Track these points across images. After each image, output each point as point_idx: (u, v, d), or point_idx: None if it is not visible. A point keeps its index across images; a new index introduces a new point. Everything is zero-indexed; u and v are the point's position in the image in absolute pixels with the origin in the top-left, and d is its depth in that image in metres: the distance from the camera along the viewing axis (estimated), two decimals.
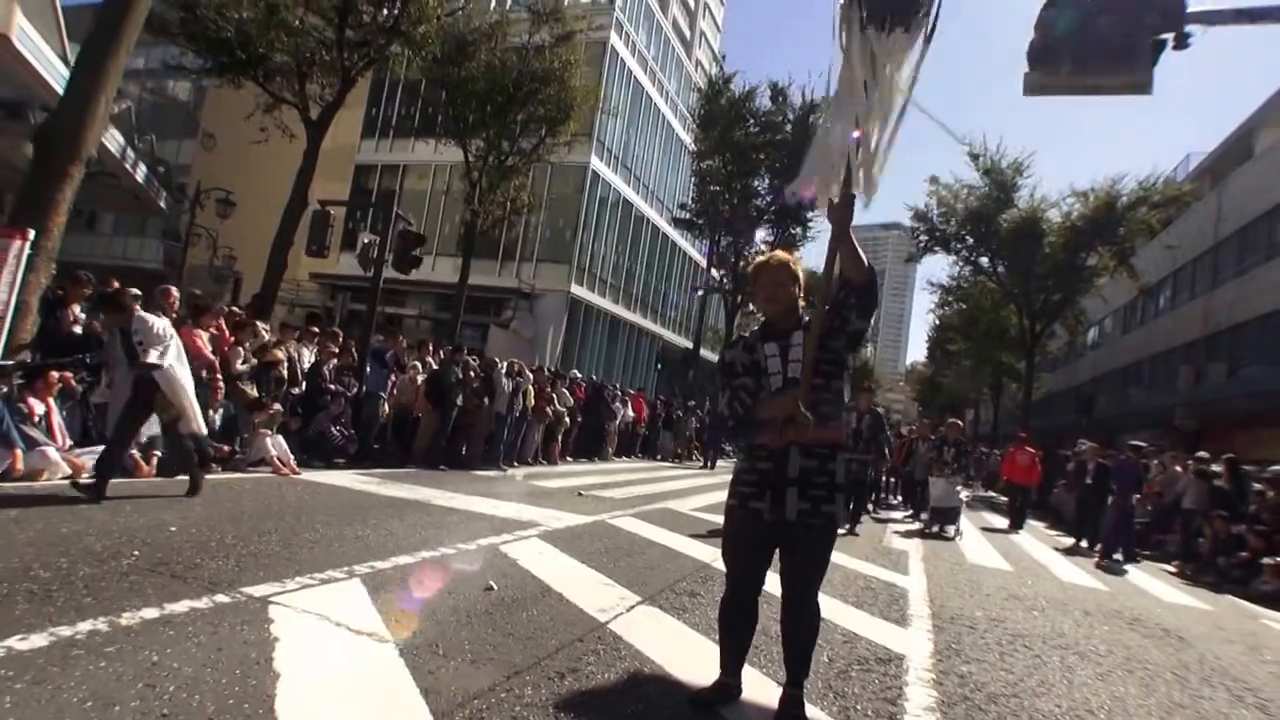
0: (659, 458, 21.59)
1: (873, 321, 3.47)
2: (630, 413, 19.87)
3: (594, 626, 4.22)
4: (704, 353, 33.56)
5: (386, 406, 11.95)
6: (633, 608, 4.77)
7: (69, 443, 7.01)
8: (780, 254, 3.42)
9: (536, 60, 23.52)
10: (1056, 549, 12.38)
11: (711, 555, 6.87)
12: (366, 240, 12.46)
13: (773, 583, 3.28)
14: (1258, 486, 12.28)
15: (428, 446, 11.89)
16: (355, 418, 11.32)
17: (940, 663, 4.50)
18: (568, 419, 15.69)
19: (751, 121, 29.59)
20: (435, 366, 12.52)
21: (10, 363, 7.26)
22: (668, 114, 39.18)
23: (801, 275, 3.39)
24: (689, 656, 3.91)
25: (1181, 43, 7.46)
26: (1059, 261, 29.67)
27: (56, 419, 6.94)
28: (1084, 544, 12.95)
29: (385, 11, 18.92)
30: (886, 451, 12.06)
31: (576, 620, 4.31)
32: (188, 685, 2.80)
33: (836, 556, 7.78)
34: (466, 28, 22.64)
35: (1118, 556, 11.95)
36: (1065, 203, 30.20)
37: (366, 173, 36.87)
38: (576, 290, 32.19)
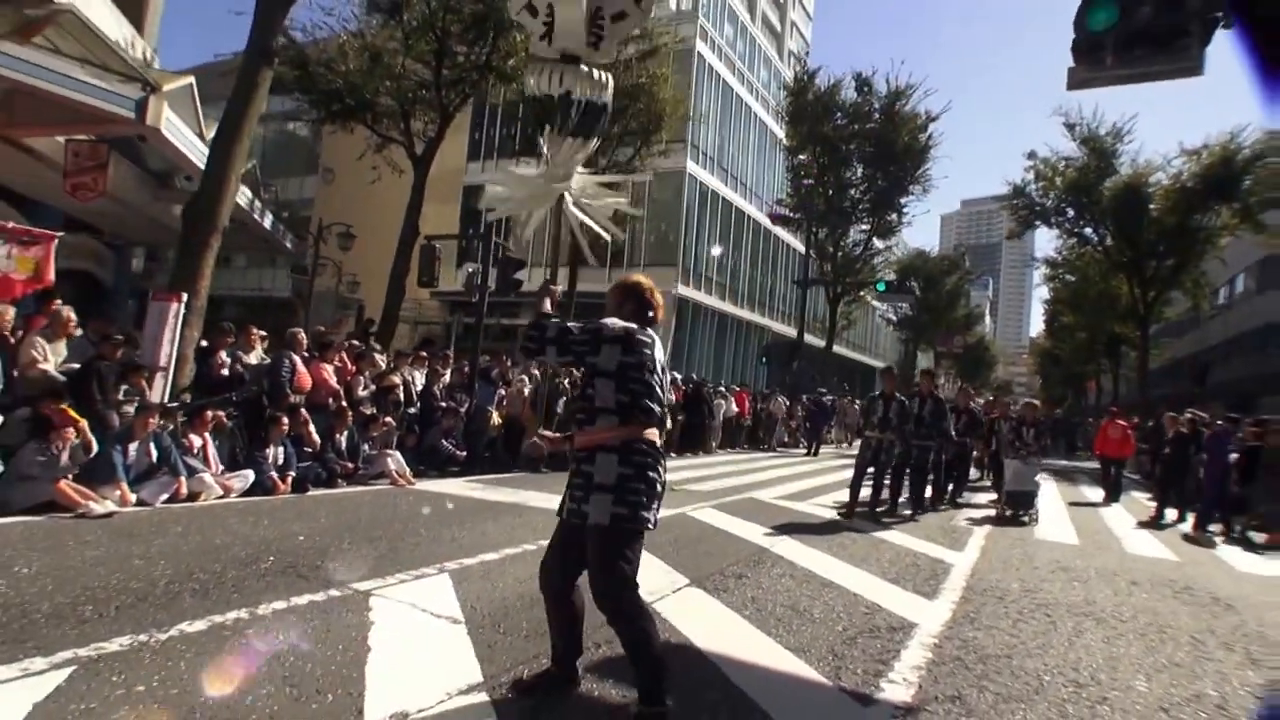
0: (764, 448, 22.17)
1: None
2: (733, 407, 20.52)
3: None
4: (810, 339, 33.61)
5: (496, 418, 13.06)
6: (680, 589, 5.52)
7: (221, 468, 8.30)
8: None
9: (624, 76, 24.36)
10: (1142, 521, 12.16)
11: (770, 541, 7.55)
12: (471, 270, 13.59)
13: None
14: None
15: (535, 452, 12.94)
16: (467, 430, 12.48)
17: (949, 630, 5.04)
18: (669, 419, 16.45)
19: (839, 114, 29.70)
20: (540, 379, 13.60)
21: (175, 404, 8.66)
22: (759, 111, 39.49)
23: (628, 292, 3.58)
24: (714, 632, 4.62)
25: (1230, 22, 7.44)
26: (1169, 226, 28.43)
27: (211, 449, 8.24)
28: (1169, 514, 12.55)
29: (477, 50, 20.12)
30: (959, 437, 12.07)
31: None
32: (304, 657, 3.74)
33: (894, 536, 8.54)
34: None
35: (1213, 528, 11.78)
36: (1173, 164, 29.01)
37: (475, 194, 38.43)
38: (683, 290, 32.97)
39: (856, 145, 29.55)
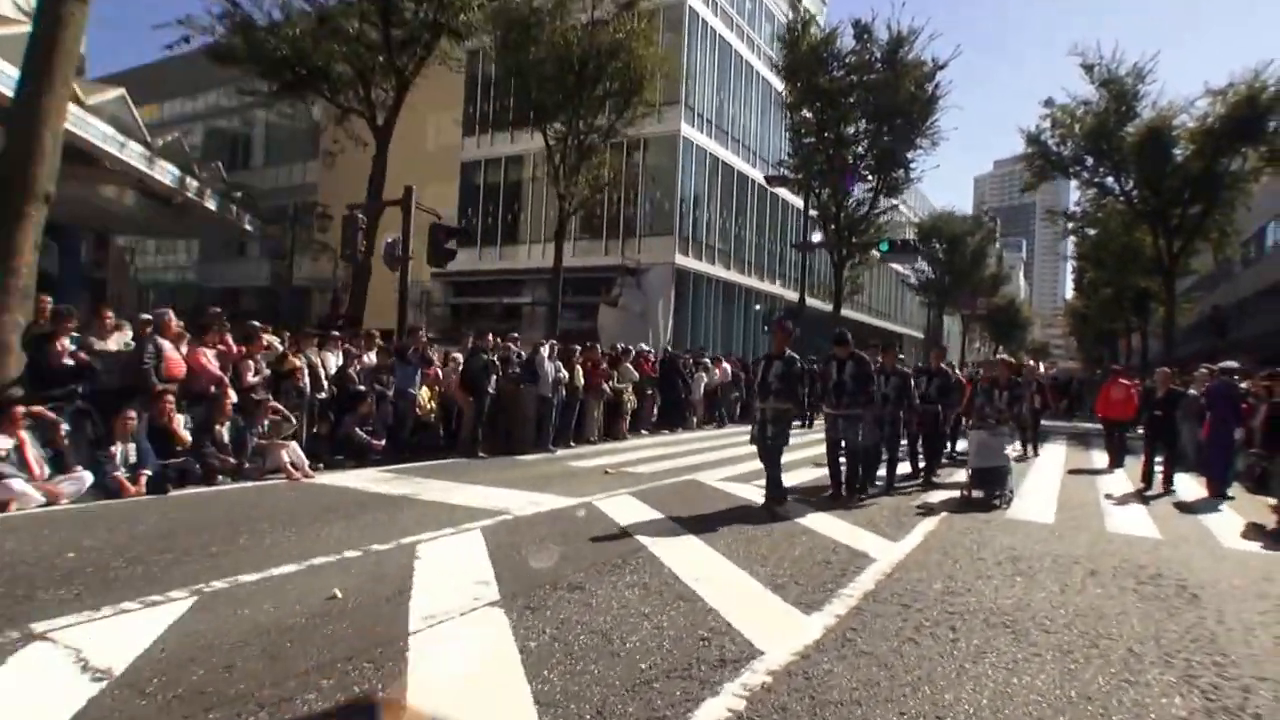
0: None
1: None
2: (715, 378, 19.26)
3: (391, 640, 3.84)
4: (813, 303, 31.94)
5: (427, 400, 12.04)
6: (474, 610, 4.37)
7: (47, 472, 7.27)
8: None
9: (602, 34, 23.02)
10: (1119, 496, 10.42)
11: (657, 538, 6.38)
12: (390, 239, 12.49)
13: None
14: None
15: (470, 436, 11.91)
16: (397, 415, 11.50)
17: (802, 661, 3.82)
18: (632, 395, 15.34)
19: (835, 65, 27.89)
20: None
21: None
22: (761, 68, 37.64)
23: None
24: (454, 679, 3.50)
25: None
26: (1194, 171, 26.60)
27: (32, 451, 7.19)
28: (1155, 482, 10.90)
29: (425, 7, 18.98)
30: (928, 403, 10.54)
31: (384, 632, 3.95)
32: None
33: (825, 524, 7.35)
34: (529, 9, 22.41)
35: (1232, 494, 10.44)
36: (1198, 105, 27.22)
37: (471, 169, 37.62)
38: (681, 261, 31.67)
39: (857, 98, 27.73)
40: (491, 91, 36.17)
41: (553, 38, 22.36)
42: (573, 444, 13.41)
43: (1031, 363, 14.85)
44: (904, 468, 10.50)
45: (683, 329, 31.36)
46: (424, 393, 12.11)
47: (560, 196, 24.09)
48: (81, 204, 15.18)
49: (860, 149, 28.96)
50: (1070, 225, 37.06)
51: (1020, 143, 31.35)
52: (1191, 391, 12.02)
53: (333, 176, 39.30)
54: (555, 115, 23.22)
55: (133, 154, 14.86)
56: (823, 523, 7.43)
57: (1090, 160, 29.64)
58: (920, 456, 10.90)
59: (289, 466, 9.25)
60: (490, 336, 12.38)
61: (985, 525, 7.72)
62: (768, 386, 8.19)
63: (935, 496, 9.49)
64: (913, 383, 10.09)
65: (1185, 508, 9.64)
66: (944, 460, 12.02)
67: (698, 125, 32.73)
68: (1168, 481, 10.90)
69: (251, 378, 9.89)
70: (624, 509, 7.67)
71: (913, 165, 29.55)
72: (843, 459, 9.08)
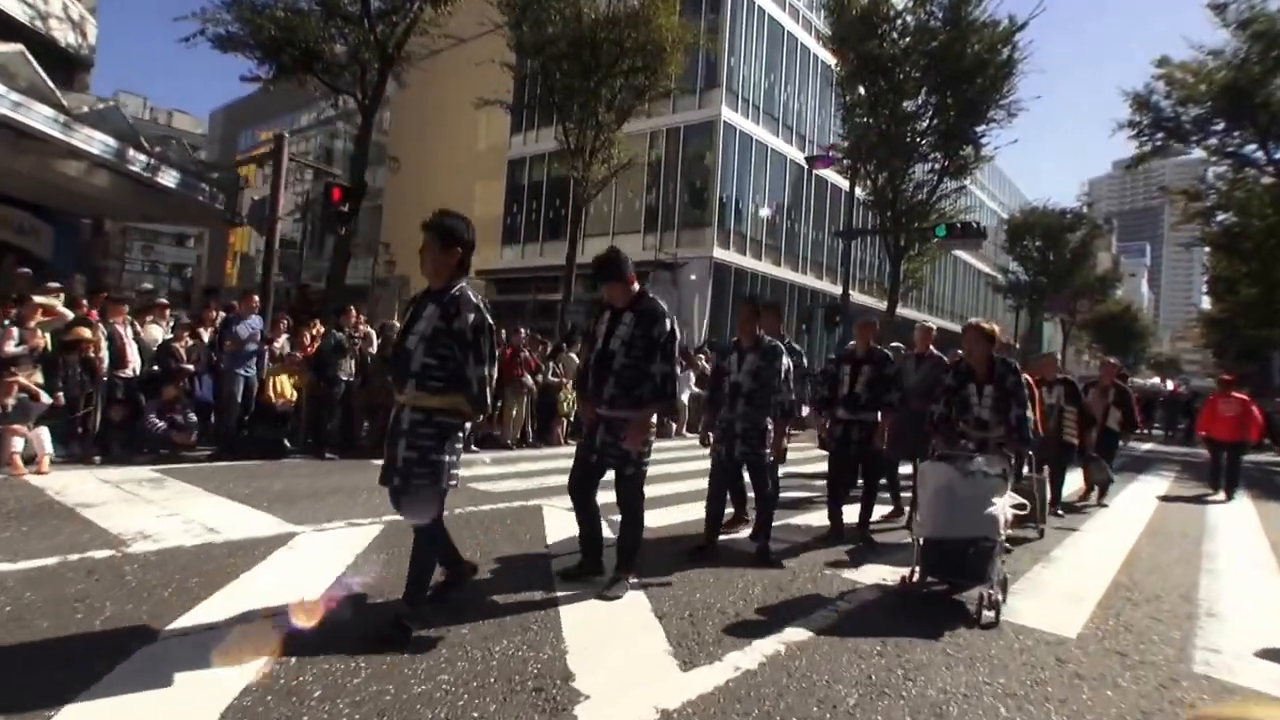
0: None
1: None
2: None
3: None
4: (859, 298, 28.52)
5: (288, 387, 10.00)
6: None
7: None
8: None
9: (619, 6, 20.93)
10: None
11: (174, 621, 3.98)
12: (256, 198, 10.50)
13: None
14: None
15: (324, 430, 9.79)
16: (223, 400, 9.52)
17: None
18: (573, 392, 12.91)
19: (889, 29, 24.39)
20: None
21: None
22: (817, 49, 34.47)
23: None
24: None
25: None
26: None
27: None
28: None
29: None
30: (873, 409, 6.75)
31: None
32: None
33: (594, 610, 4.45)
34: None
35: None
36: None
37: (518, 167, 36.51)
38: (720, 254, 29.05)
39: (912, 65, 24.04)
40: (539, 90, 34.56)
41: (564, 9, 20.53)
42: (475, 448, 10.95)
43: (1111, 361, 10.94)
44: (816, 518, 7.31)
45: (721, 328, 28.60)
46: (283, 379, 10.07)
47: (576, 182, 22.28)
48: (45, 184, 13.96)
49: (922, 125, 25.38)
50: (1195, 206, 30.32)
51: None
52: None
53: (399, 180, 39.11)
54: (574, 98, 21.40)
55: (38, 116, 13.27)
56: (603, 611, 4.26)
57: (1222, 124, 24.86)
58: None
59: (16, 458, 7.31)
60: (355, 313, 10.16)
61: (920, 647, 3.97)
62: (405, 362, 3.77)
63: (870, 574, 5.44)
64: (784, 364, 5.75)
65: None
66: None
67: (742, 110, 30.10)
68: None
69: (12, 347, 8.00)
70: (316, 553, 5.10)
71: (984, 141, 25.69)
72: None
